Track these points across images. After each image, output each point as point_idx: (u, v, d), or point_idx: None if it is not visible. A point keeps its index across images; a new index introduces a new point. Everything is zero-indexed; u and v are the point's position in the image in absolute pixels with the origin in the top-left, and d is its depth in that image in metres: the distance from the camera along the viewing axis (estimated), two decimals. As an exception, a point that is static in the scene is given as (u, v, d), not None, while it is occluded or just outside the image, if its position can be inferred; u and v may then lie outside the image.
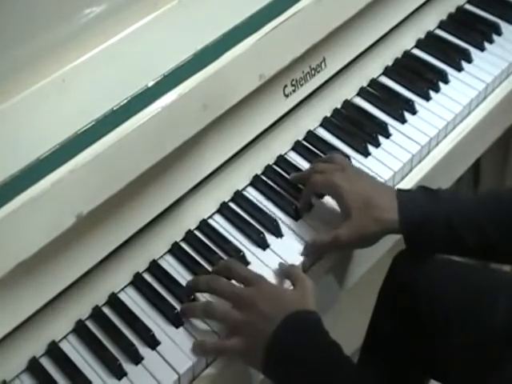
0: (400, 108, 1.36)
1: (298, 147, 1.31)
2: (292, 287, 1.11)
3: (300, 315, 1.01)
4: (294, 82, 1.26)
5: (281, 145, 1.30)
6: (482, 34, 1.50)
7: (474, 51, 1.47)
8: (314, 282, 1.09)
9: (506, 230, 1.10)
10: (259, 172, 1.27)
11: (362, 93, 1.40)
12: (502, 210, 1.12)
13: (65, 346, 1.07)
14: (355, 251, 1.23)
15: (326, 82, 1.33)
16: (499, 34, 1.51)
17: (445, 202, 1.14)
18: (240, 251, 1.16)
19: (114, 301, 1.12)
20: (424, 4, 1.46)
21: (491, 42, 1.50)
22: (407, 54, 1.47)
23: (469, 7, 1.57)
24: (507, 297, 1.18)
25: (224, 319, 1.06)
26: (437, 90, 1.40)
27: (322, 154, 1.29)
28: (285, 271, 1.13)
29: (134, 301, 1.12)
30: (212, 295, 1.09)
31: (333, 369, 0.98)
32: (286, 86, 1.25)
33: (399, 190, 1.17)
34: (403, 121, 1.35)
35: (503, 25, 1.52)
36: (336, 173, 1.18)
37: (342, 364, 0.98)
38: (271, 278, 1.13)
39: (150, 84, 1.06)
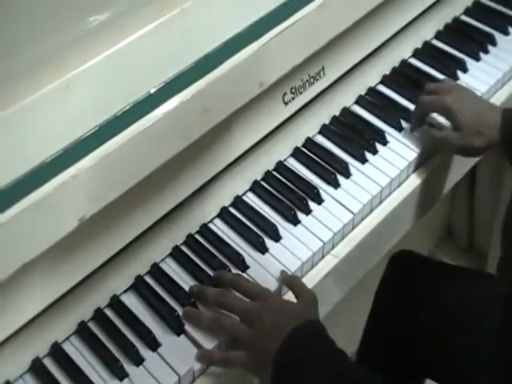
0: (397, 116, 1.36)
1: (297, 154, 1.30)
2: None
3: (306, 327, 1.00)
4: (293, 90, 1.25)
5: (280, 151, 1.29)
6: (478, 44, 1.50)
7: (469, 61, 1.47)
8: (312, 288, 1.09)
9: None
10: (259, 178, 1.27)
11: (360, 101, 1.40)
12: None
13: (67, 347, 1.07)
14: (349, 255, 1.21)
15: (325, 89, 1.32)
16: (494, 44, 1.51)
17: None
18: (239, 255, 1.16)
19: (115, 303, 1.11)
20: (421, 14, 1.46)
21: (486, 52, 1.50)
22: (404, 63, 1.47)
23: (465, 18, 1.57)
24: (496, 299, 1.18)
25: (231, 332, 1.05)
26: (433, 98, 1.39)
27: (320, 161, 1.28)
28: (288, 282, 1.12)
29: (136, 303, 1.11)
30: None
31: (343, 377, 0.96)
32: (285, 94, 1.24)
33: (505, 109, 1.25)
34: (400, 128, 1.34)
35: (498, 36, 1.52)
36: (448, 94, 1.26)
37: (352, 370, 0.97)
38: (270, 282, 1.12)
39: (153, 90, 1.05)
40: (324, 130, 1.34)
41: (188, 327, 1.07)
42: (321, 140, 1.33)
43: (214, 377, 1.06)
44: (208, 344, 1.06)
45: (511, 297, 0.80)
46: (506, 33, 1.53)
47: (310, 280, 1.16)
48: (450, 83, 1.33)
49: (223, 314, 1.07)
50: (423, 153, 1.29)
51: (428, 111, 1.31)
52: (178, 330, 1.07)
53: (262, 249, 1.17)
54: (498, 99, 1.44)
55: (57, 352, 1.06)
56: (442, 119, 1.33)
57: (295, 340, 0.98)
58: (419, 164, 1.31)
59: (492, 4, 1.59)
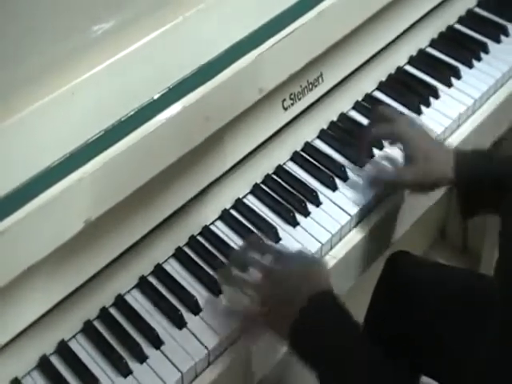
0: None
1: (296, 157, 1.30)
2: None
3: (324, 295, 1.01)
4: (292, 96, 1.25)
5: (280, 155, 1.29)
6: (471, 52, 1.50)
7: (463, 68, 1.47)
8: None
9: None
10: (259, 181, 1.26)
11: (357, 106, 1.40)
12: None
13: (74, 345, 1.07)
14: (347, 257, 1.21)
15: (323, 95, 1.32)
16: (487, 52, 1.51)
17: (497, 163, 1.16)
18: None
19: (120, 302, 1.11)
20: (416, 23, 1.46)
21: (479, 59, 1.50)
22: (400, 70, 1.47)
23: (458, 27, 1.57)
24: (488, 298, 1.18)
25: (256, 289, 1.06)
26: (428, 104, 1.40)
27: (319, 165, 1.29)
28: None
29: (139, 302, 1.11)
30: None
31: (353, 344, 0.98)
32: (284, 100, 1.24)
33: (456, 150, 1.21)
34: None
35: (490, 44, 1.52)
36: (405, 126, 1.22)
37: (361, 339, 0.99)
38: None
39: (156, 96, 1.06)
40: (322, 135, 1.34)
41: (190, 325, 1.08)
42: (319, 144, 1.33)
43: (216, 374, 1.06)
44: (210, 342, 1.06)
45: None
46: (498, 41, 1.53)
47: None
48: (404, 116, 1.30)
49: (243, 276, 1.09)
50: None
51: (379, 137, 1.28)
52: (180, 326, 1.08)
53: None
54: (490, 105, 1.44)
55: (63, 350, 1.06)
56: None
57: (311, 309, 1.00)
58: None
59: (485, 13, 1.59)
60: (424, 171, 1.18)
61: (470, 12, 1.59)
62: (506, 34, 1.54)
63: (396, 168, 1.25)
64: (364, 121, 1.37)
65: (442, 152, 1.19)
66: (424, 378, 1.36)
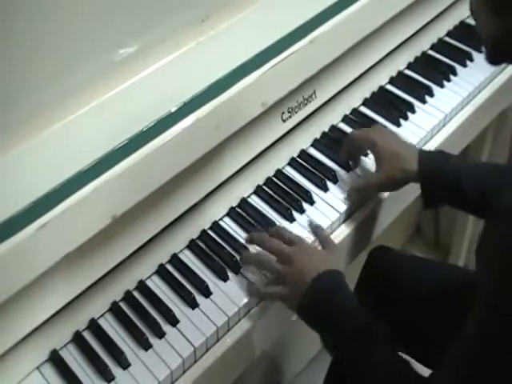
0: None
1: (292, 163, 1.30)
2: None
3: (329, 273, 1.02)
4: (290, 110, 1.25)
5: (279, 160, 1.28)
6: (442, 74, 1.50)
7: (435, 87, 1.46)
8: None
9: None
10: (261, 182, 1.26)
11: (345, 119, 1.39)
12: (502, 177, 1.11)
13: (102, 323, 1.06)
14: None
15: (316, 110, 1.32)
16: (455, 74, 1.50)
17: (456, 162, 1.16)
18: (244, 247, 1.15)
19: (142, 286, 1.10)
20: (395, 48, 1.46)
21: (449, 80, 1.49)
22: (382, 89, 1.46)
23: (431, 52, 1.56)
24: (457, 285, 1.20)
25: (271, 269, 1.07)
26: (405, 118, 1.39)
27: (312, 169, 1.28)
28: (316, 234, 1.15)
29: (159, 287, 1.10)
30: None
31: (352, 315, 0.99)
32: (283, 113, 1.24)
33: (420, 149, 1.20)
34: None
35: (458, 67, 1.52)
36: (373, 131, 1.23)
37: (360, 312, 1.00)
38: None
39: (173, 109, 1.05)
40: (316, 144, 1.33)
41: (202, 306, 1.07)
42: (313, 152, 1.32)
43: (224, 350, 1.05)
44: (219, 320, 1.05)
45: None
46: (465, 65, 1.52)
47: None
48: (377, 125, 1.29)
49: (265, 254, 1.09)
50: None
51: (355, 144, 1.26)
52: (193, 307, 1.07)
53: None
54: (459, 119, 1.43)
55: (93, 326, 1.05)
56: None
57: (318, 285, 1.01)
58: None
59: (453, 41, 1.58)
60: (391, 169, 1.17)
61: (440, 40, 1.59)
62: (471, 60, 1.54)
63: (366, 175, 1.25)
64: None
65: (407, 151, 1.18)
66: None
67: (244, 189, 1.23)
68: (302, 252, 1.07)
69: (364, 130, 1.26)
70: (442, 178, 1.13)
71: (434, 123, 1.38)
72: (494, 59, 0.90)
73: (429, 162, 1.15)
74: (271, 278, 1.08)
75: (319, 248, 1.13)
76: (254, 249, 1.13)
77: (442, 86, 1.47)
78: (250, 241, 1.13)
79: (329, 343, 1.01)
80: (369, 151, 1.26)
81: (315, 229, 1.16)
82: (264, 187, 1.25)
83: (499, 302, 0.74)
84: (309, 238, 1.16)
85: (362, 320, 0.98)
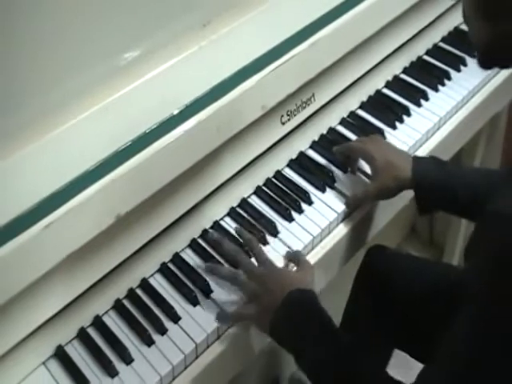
0: (372, 133, 1.33)
1: (291, 164, 1.29)
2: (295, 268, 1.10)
3: (299, 292, 1.00)
4: (289, 113, 1.24)
5: (278, 162, 1.28)
6: (437, 78, 1.49)
7: (430, 91, 1.46)
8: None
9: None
10: (261, 183, 1.25)
11: (343, 122, 1.39)
12: (493, 187, 1.10)
13: (106, 319, 1.06)
14: (336, 248, 1.20)
15: (315, 112, 1.31)
16: (449, 79, 1.50)
17: (448, 169, 1.16)
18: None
19: (144, 284, 1.10)
20: (392, 53, 1.46)
21: (443, 85, 1.49)
22: (379, 93, 1.46)
23: (426, 57, 1.56)
24: (451, 283, 1.19)
25: (243, 287, 1.05)
26: (401, 121, 1.39)
27: (311, 171, 1.28)
28: (290, 255, 1.12)
29: (161, 285, 1.10)
30: None
31: (322, 334, 0.96)
32: (282, 116, 1.24)
33: (414, 157, 1.20)
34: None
35: (452, 72, 1.52)
36: (369, 142, 1.22)
37: (331, 330, 0.97)
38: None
39: (175, 112, 1.05)
40: (314, 146, 1.33)
41: (203, 303, 1.07)
42: (311, 153, 1.32)
43: (225, 345, 1.05)
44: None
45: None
46: (459, 70, 1.52)
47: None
48: (373, 135, 1.28)
49: (239, 272, 1.06)
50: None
51: (352, 155, 1.26)
52: (194, 304, 1.07)
53: (263, 242, 1.15)
54: (453, 122, 1.43)
55: (98, 323, 1.05)
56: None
57: (289, 303, 0.98)
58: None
59: (447, 47, 1.58)
60: (386, 178, 1.17)
61: (435, 46, 1.59)
62: (465, 65, 1.53)
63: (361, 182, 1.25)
64: (349, 134, 1.36)
65: (401, 160, 1.18)
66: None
67: (244, 189, 1.23)
68: (271, 273, 1.05)
69: (360, 141, 1.26)
70: (435, 185, 1.13)
71: (428, 126, 1.38)
72: (485, 64, 0.90)
73: (422, 169, 1.15)
74: (241, 302, 1.06)
75: (294, 269, 1.11)
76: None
77: (436, 90, 1.47)
78: (218, 245, 1.12)
79: (302, 364, 0.98)
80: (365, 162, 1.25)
81: (290, 252, 1.13)
82: (264, 188, 1.25)
83: (489, 303, 0.75)
84: (303, 242, 1.16)
85: (333, 340, 0.95)
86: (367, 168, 1.25)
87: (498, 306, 0.73)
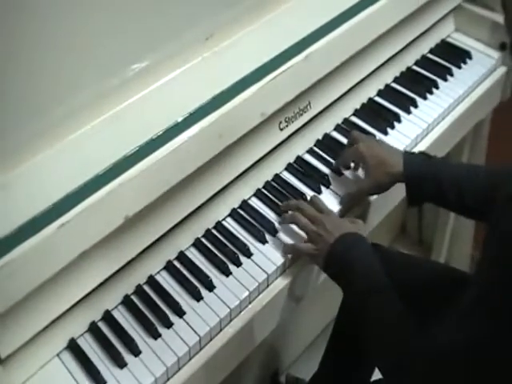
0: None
1: (289, 168, 1.30)
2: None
3: (353, 234, 1.07)
4: (286, 119, 1.25)
5: (276, 166, 1.28)
6: (425, 87, 1.50)
7: (419, 99, 1.47)
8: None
9: (476, 196, 1.12)
10: (260, 186, 1.26)
11: (337, 128, 1.39)
12: (477, 182, 1.14)
13: (116, 314, 1.06)
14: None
15: (311, 119, 1.32)
16: (437, 87, 1.51)
17: (437, 163, 1.17)
18: (245, 245, 1.15)
19: (151, 281, 1.10)
20: (383, 64, 1.46)
21: (431, 93, 1.49)
22: (371, 100, 1.47)
23: (415, 68, 1.56)
24: (438, 278, 1.22)
25: (304, 227, 1.12)
26: (392, 127, 1.40)
27: (308, 174, 1.28)
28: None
29: (167, 281, 1.11)
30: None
31: (366, 268, 1.02)
32: (280, 122, 1.24)
33: (405, 152, 1.20)
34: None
35: (440, 81, 1.52)
36: (360, 142, 1.22)
37: (377, 267, 1.03)
38: (276, 258, 1.12)
39: (180, 119, 1.05)
40: (310, 150, 1.33)
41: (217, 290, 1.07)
42: (308, 158, 1.32)
43: (234, 329, 1.06)
44: (221, 311, 1.05)
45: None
46: (446, 79, 1.52)
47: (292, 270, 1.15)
48: (363, 135, 1.27)
49: (301, 216, 1.14)
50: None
51: (348, 160, 1.27)
52: (198, 299, 1.07)
53: (263, 240, 1.16)
54: (440, 128, 1.43)
55: (108, 317, 1.05)
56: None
57: (342, 241, 1.06)
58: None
59: (435, 58, 1.58)
60: (379, 175, 1.18)
61: (423, 57, 1.59)
62: (451, 75, 1.54)
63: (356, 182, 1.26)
64: (343, 139, 1.36)
65: (392, 156, 1.19)
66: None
67: (245, 191, 1.23)
68: (331, 218, 1.12)
69: (353, 140, 1.25)
70: (425, 179, 1.14)
71: (417, 132, 1.39)
72: None
73: (412, 164, 1.16)
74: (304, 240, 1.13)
75: None
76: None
77: (425, 98, 1.47)
78: (286, 207, 1.18)
79: (348, 294, 1.06)
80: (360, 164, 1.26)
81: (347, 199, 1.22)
82: (263, 190, 1.25)
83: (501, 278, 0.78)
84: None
85: (374, 273, 1.01)
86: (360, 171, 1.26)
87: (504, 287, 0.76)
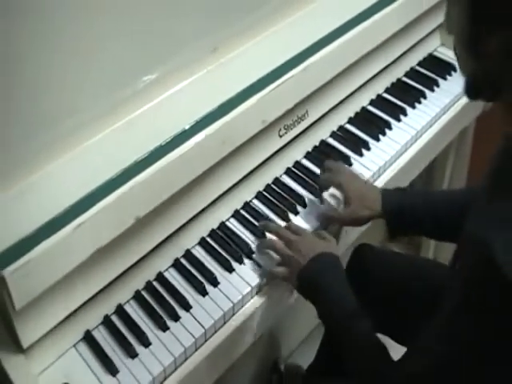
0: (359, 144, 1.35)
1: (288, 172, 1.29)
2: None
3: (324, 255, 1.05)
4: (286, 127, 1.25)
5: (276, 170, 1.28)
6: (414, 97, 1.49)
7: (408, 108, 1.46)
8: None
9: (452, 221, 1.08)
10: (262, 189, 1.25)
11: (333, 135, 1.39)
12: (452, 207, 1.11)
13: (128, 308, 1.06)
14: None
15: (309, 127, 1.32)
16: (425, 97, 1.50)
17: (413, 197, 1.15)
18: (247, 244, 1.15)
19: (160, 277, 1.10)
20: (375, 76, 1.46)
21: (420, 102, 1.49)
22: (364, 109, 1.46)
23: (405, 79, 1.56)
24: (427, 274, 1.21)
25: (280, 251, 1.09)
26: (384, 133, 1.39)
27: (306, 178, 1.28)
28: (316, 233, 1.15)
29: (174, 277, 1.10)
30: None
31: (340, 292, 1.00)
32: (280, 129, 1.24)
33: (383, 189, 1.18)
34: (361, 153, 1.34)
35: (427, 92, 1.51)
36: (341, 174, 1.19)
37: (348, 293, 1.00)
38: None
39: (187, 127, 1.05)
40: (308, 156, 1.33)
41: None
42: (305, 162, 1.32)
43: (245, 317, 1.06)
44: (224, 305, 1.05)
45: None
46: (433, 90, 1.52)
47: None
48: (343, 166, 1.24)
49: (277, 241, 1.11)
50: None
51: (327, 186, 1.24)
52: (203, 294, 1.07)
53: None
54: (428, 135, 1.42)
55: (120, 311, 1.05)
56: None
57: (314, 262, 1.03)
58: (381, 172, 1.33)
59: (423, 70, 1.58)
60: (359, 208, 1.15)
61: (412, 69, 1.58)
62: (438, 86, 1.54)
63: (337, 210, 1.22)
64: (338, 145, 1.36)
65: (371, 192, 1.16)
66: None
67: (247, 194, 1.23)
68: (305, 240, 1.09)
69: (332, 173, 1.20)
70: (402, 212, 1.13)
71: (407, 138, 1.38)
72: (470, 95, 0.81)
73: (391, 199, 1.14)
74: (278, 263, 1.10)
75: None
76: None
77: (413, 107, 1.47)
78: (265, 228, 1.15)
79: (321, 317, 1.02)
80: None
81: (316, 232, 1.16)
82: (264, 193, 1.25)
83: (460, 318, 0.76)
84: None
85: (345, 300, 0.99)
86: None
87: (467, 316, 0.74)
